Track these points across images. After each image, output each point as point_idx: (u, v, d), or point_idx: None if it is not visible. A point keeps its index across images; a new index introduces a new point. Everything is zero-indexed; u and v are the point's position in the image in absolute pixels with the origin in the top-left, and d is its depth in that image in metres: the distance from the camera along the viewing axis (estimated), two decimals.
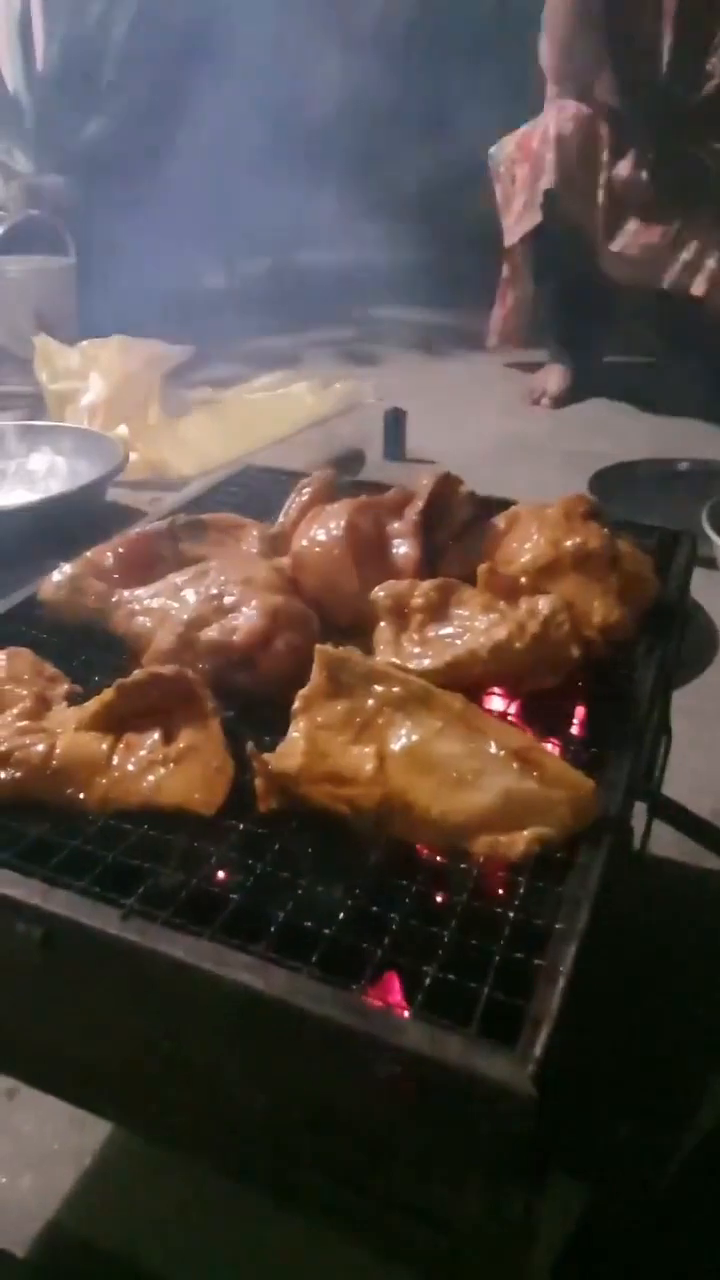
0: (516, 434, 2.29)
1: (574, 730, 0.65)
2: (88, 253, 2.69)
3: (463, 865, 0.50)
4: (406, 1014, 0.41)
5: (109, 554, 0.79)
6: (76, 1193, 0.73)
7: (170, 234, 2.88)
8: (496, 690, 0.67)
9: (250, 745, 0.53)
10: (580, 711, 0.67)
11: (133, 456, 1.93)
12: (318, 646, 0.59)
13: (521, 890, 0.48)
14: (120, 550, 0.79)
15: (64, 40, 2.97)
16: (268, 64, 3.22)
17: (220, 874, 0.51)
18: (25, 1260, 0.69)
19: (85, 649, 0.73)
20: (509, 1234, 0.42)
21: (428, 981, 0.43)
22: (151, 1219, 0.71)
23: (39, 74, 2.99)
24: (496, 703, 0.67)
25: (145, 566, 0.79)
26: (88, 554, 0.79)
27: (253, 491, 1.00)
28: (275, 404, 2.42)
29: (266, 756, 0.53)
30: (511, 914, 0.47)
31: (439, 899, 0.49)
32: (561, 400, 2.46)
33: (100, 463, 1.83)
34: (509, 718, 0.65)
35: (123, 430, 2.06)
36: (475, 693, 0.64)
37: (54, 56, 2.98)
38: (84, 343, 2.31)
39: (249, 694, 0.65)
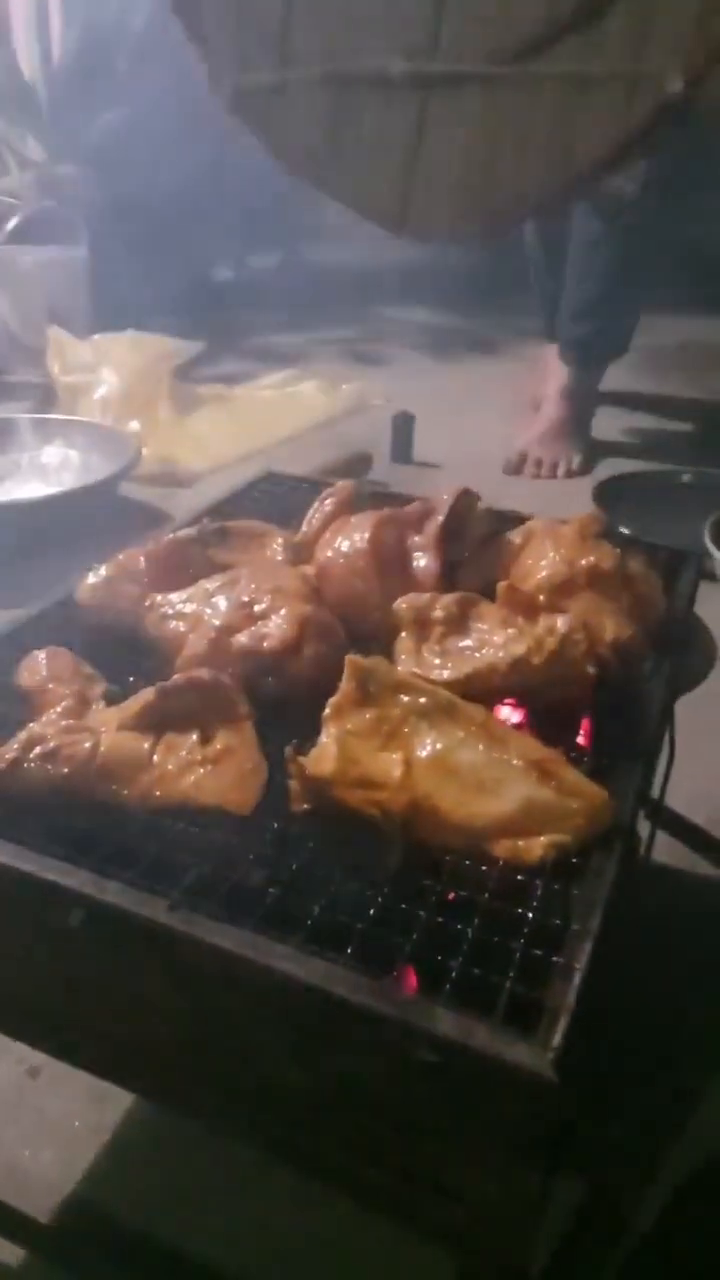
0: (523, 436, 2.31)
1: (583, 742, 0.69)
2: (100, 244, 2.71)
3: (484, 868, 0.54)
4: (434, 1003, 0.45)
5: (140, 558, 0.82)
6: (96, 1167, 0.77)
7: (182, 227, 2.90)
8: (510, 702, 0.71)
9: (288, 750, 0.57)
10: (591, 724, 0.70)
11: (144, 452, 1.95)
12: (348, 657, 0.62)
13: (539, 892, 0.52)
14: (152, 554, 0.82)
15: (81, 30, 2.98)
16: None
17: (257, 870, 0.54)
18: (47, 1229, 0.72)
19: (116, 649, 0.76)
20: (526, 1211, 0.46)
21: (454, 974, 0.47)
22: (169, 1194, 0.75)
23: (55, 63, 3.00)
24: (508, 713, 0.70)
25: (175, 571, 0.82)
26: (120, 557, 0.82)
27: (273, 497, 1.03)
28: (284, 403, 2.45)
29: (302, 761, 0.56)
30: (530, 914, 0.50)
31: (462, 899, 0.53)
32: None
33: (112, 458, 1.86)
34: (523, 729, 0.68)
35: (134, 425, 2.09)
36: (490, 704, 0.68)
37: (71, 46, 3.00)
38: (96, 336, 2.34)
39: (276, 698, 0.68)
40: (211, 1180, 0.76)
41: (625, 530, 1.46)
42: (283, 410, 2.40)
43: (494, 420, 2.42)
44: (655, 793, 0.86)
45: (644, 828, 0.88)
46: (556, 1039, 0.43)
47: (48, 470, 1.94)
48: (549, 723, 0.68)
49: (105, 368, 2.24)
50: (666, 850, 1.07)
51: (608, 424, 2.36)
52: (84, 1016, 0.59)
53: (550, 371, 2.26)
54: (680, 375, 2.81)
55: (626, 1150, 0.80)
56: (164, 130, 2.90)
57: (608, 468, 2.14)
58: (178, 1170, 0.77)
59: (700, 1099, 0.86)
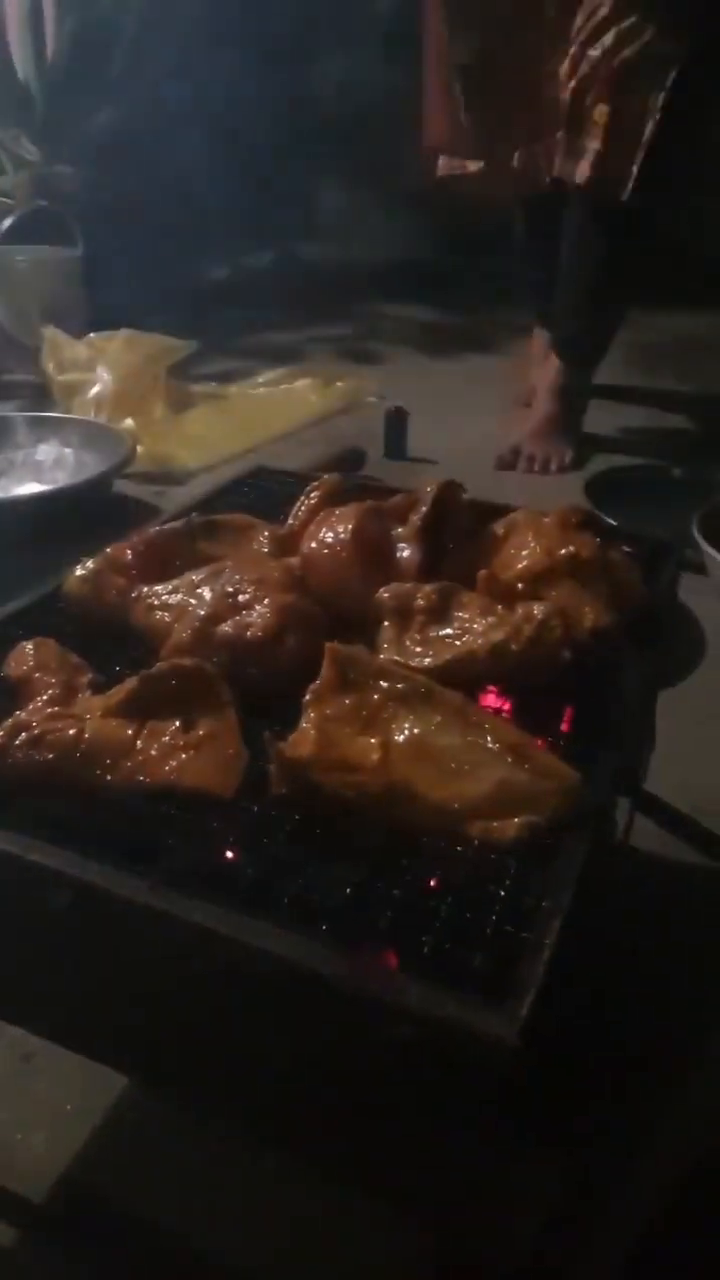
0: (514, 432, 2.32)
1: (562, 727, 0.70)
2: (94, 244, 2.72)
3: (459, 848, 0.55)
4: (408, 977, 0.46)
5: (128, 551, 0.83)
6: (89, 1150, 0.78)
7: (176, 226, 2.92)
8: (491, 688, 0.72)
9: (267, 734, 0.58)
10: (569, 710, 0.72)
11: (138, 449, 1.96)
12: (328, 644, 0.64)
13: (512, 871, 0.53)
14: (139, 548, 0.83)
15: (74, 29, 2.99)
16: (277, 56, 3.25)
17: (237, 851, 0.56)
18: (39, 1209, 0.74)
19: (104, 640, 0.77)
20: (501, 1181, 0.47)
21: (426, 950, 0.48)
22: (159, 1175, 0.77)
23: (49, 62, 3.01)
24: (491, 700, 0.72)
25: (162, 563, 0.83)
26: (108, 550, 0.83)
27: (262, 492, 1.05)
28: (278, 400, 2.46)
29: (281, 745, 0.57)
30: (502, 892, 0.52)
31: (437, 878, 0.54)
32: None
33: (107, 455, 1.87)
34: (502, 714, 0.70)
35: (129, 423, 2.10)
36: (471, 690, 0.69)
37: (64, 45, 3.00)
38: (91, 335, 2.35)
39: (259, 686, 0.69)
40: (200, 1161, 0.77)
41: (614, 523, 1.47)
42: (277, 407, 2.41)
43: (488, 416, 2.44)
44: (635, 779, 0.87)
45: (624, 813, 0.89)
46: (524, 1010, 0.44)
47: (42, 468, 1.95)
48: (530, 709, 0.70)
49: (100, 366, 2.25)
50: (655, 839, 1.08)
51: (600, 419, 2.37)
52: (72, 998, 0.60)
53: (543, 366, 2.27)
54: (672, 371, 2.82)
55: (610, 1133, 0.82)
56: (158, 129, 2.91)
57: (600, 463, 2.15)
58: (167, 1152, 0.78)
59: (686, 1082, 0.87)
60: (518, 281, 2.47)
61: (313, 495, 0.90)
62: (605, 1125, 0.82)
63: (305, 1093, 0.53)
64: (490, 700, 0.71)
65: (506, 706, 0.71)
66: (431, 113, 2.10)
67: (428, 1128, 0.49)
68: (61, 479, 1.89)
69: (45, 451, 1.97)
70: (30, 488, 1.89)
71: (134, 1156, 0.79)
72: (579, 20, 1.78)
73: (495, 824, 0.56)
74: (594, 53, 1.77)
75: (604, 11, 1.74)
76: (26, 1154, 0.78)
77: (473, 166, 2.05)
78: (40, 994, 0.62)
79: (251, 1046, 0.54)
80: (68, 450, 1.96)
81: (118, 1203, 0.75)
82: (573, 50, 1.80)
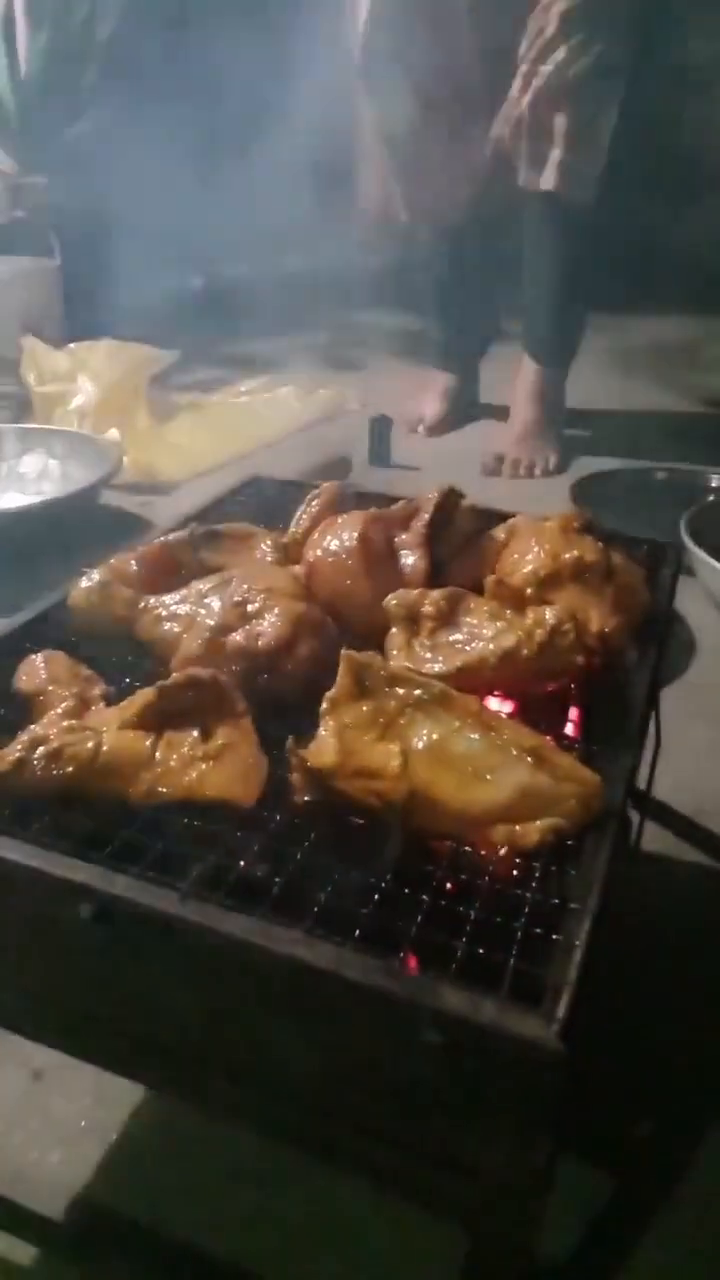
0: (497, 439, 2.34)
1: (570, 731, 0.71)
2: (71, 254, 2.71)
3: (483, 852, 0.55)
4: (443, 982, 0.46)
5: (132, 561, 0.83)
6: (104, 1166, 0.77)
7: (153, 236, 2.91)
8: (499, 694, 0.72)
9: (290, 743, 0.58)
10: (578, 713, 0.72)
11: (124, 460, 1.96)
12: (344, 652, 0.64)
13: (537, 874, 0.54)
14: (144, 558, 0.83)
15: (48, 41, 2.98)
16: (252, 68, 3.26)
17: (262, 861, 0.56)
18: (59, 1227, 0.73)
19: (112, 652, 0.76)
20: (534, 1181, 0.47)
21: (459, 954, 0.48)
22: (176, 1189, 0.76)
23: (23, 75, 3.00)
24: (500, 705, 0.72)
25: (166, 574, 0.83)
26: (112, 561, 0.83)
27: (259, 500, 1.05)
28: (261, 409, 2.46)
29: (304, 754, 0.58)
30: (529, 895, 0.52)
31: (463, 883, 0.54)
32: (439, 428, 2.39)
33: (91, 466, 1.86)
34: (514, 719, 0.70)
35: (114, 434, 2.09)
36: (481, 696, 0.69)
37: (38, 57, 2.99)
38: (72, 345, 2.34)
39: (270, 695, 0.70)
40: (217, 1173, 0.77)
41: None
42: (259, 416, 2.41)
43: (468, 422, 2.45)
44: (643, 782, 0.88)
45: (633, 816, 0.90)
46: (561, 1012, 0.44)
47: (26, 479, 1.94)
48: (538, 713, 0.70)
49: (82, 377, 2.24)
50: (657, 839, 1.09)
51: (582, 424, 2.39)
52: (95, 1012, 0.60)
53: (518, 374, 2.29)
54: (651, 374, 2.85)
55: (650, 1147, 0.81)
56: (133, 139, 2.91)
57: (583, 467, 2.17)
58: (183, 1165, 0.78)
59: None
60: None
61: (314, 503, 0.90)
62: (637, 1132, 0.82)
63: (334, 1097, 0.53)
64: (497, 705, 0.72)
65: (510, 710, 0.72)
66: (366, 181, 2.27)
67: (459, 1125, 0.49)
68: (48, 490, 1.88)
69: (30, 463, 1.95)
70: (15, 500, 1.87)
71: (149, 1170, 0.78)
72: (524, 45, 1.87)
73: (518, 828, 0.56)
74: (546, 68, 1.85)
75: (551, 30, 1.83)
76: (44, 1172, 0.77)
77: (404, 216, 2.21)
78: (61, 1008, 0.61)
79: (281, 1053, 0.53)
80: (53, 462, 1.95)
81: (136, 1217, 0.75)
82: (524, 69, 1.88)
